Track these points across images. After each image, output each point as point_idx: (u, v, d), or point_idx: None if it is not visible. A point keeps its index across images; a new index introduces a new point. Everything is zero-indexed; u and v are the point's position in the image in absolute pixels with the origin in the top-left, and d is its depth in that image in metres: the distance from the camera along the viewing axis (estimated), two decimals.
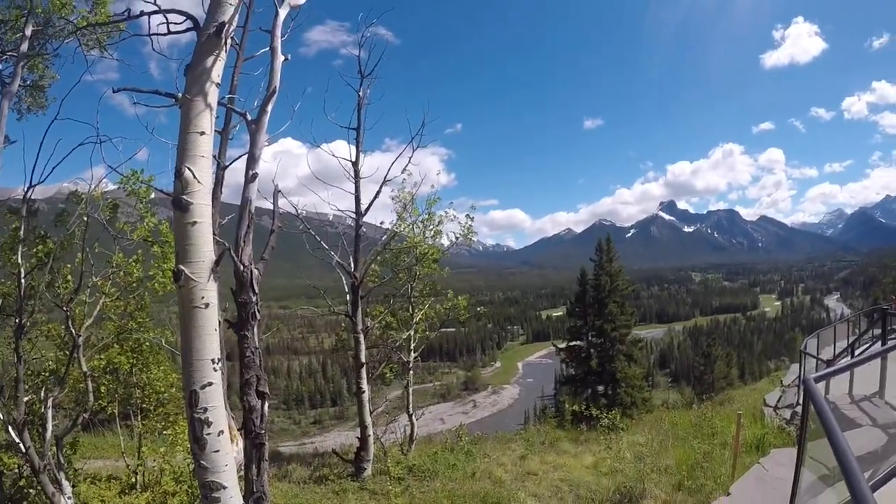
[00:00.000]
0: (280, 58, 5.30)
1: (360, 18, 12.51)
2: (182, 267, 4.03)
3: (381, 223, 14.72)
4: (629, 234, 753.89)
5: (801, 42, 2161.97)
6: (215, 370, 4.16)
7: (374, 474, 12.48)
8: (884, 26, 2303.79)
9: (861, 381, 7.46)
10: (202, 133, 4.16)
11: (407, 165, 13.53)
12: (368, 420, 12.77)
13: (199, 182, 4.08)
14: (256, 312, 4.74)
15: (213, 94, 4.30)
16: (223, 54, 4.36)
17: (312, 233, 12.84)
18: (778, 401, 15.84)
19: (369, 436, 12.69)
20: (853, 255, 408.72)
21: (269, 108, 5.06)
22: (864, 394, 7.36)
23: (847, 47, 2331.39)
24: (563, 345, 36.43)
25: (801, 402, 11.10)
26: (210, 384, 4.13)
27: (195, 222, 4.07)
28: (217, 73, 4.33)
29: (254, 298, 4.69)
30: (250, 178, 4.89)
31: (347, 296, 13.09)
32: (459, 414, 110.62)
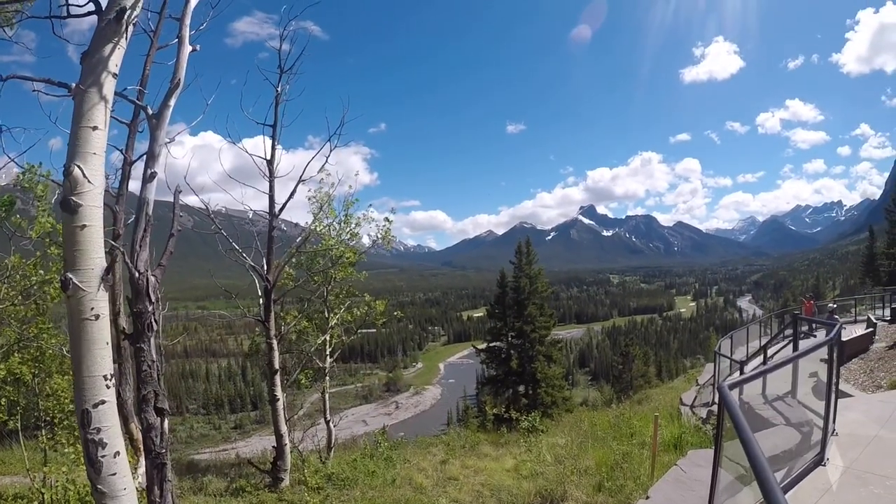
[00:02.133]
0: (187, 48, 4.97)
1: (283, 11, 11.93)
2: (70, 275, 3.65)
3: (296, 224, 14.19)
4: (549, 237, 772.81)
5: (720, 59, 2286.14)
6: (108, 387, 3.78)
7: (293, 484, 12.05)
8: (800, 49, 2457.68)
9: (774, 381, 7.67)
10: (95, 128, 3.79)
11: (324, 164, 13.07)
12: (284, 428, 12.30)
13: (89, 182, 3.70)
14: (153, 323, 4.37)
15: (110, 86, 3.94)
16: (123, 42, 4.03)
17: (224, 233, 12.12)
18: (694, 400, 16.35)
19: (286, 444, 12.24)
20: (764, 259, 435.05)
21: (172, 101, 4.71)
22: (777, 393, 7.55)
23: (764, 67, 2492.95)
24: (483, 346, 36.74)
25: (716, 401, 11.46)
26: (103, 402, 3.75)
27: (84, 226, 3.69)
28: (115, 62, 3.99)
29: (150, 308, 4.32)
30: (149, 177, 4.52)
31: (260, 299, 12.55)
32: (382, 415, 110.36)
